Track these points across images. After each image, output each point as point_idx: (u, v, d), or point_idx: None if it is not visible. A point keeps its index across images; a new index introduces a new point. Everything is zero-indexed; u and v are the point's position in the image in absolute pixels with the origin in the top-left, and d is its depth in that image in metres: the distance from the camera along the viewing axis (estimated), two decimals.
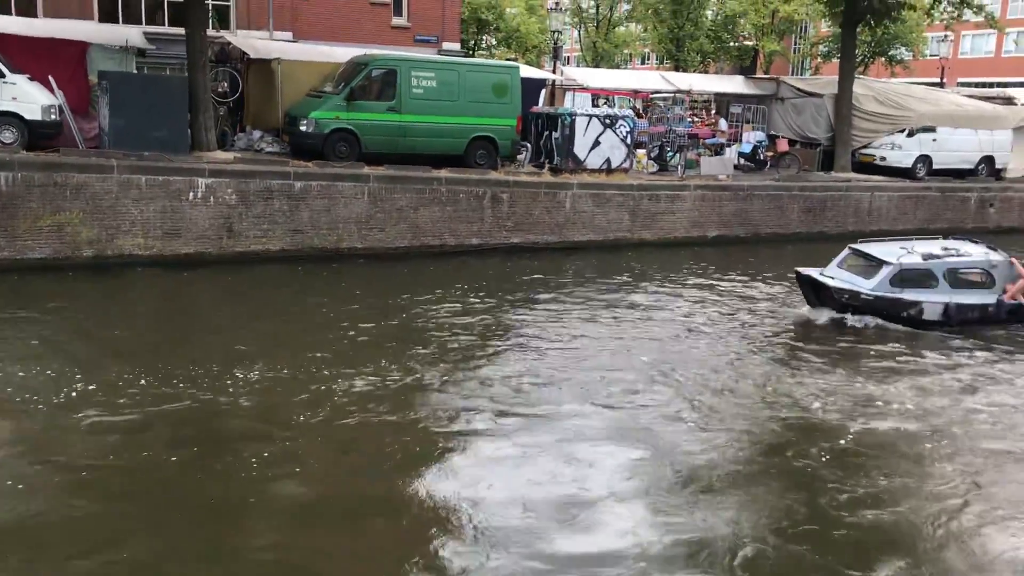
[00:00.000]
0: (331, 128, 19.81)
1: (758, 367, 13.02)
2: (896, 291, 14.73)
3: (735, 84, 30.28)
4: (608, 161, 22.56)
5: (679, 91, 27.26)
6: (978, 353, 13.86)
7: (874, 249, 15.47)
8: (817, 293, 15.45)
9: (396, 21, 30.61)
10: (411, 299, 15.93)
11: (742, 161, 26.41)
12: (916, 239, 16.57)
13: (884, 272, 14.81)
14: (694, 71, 44.70)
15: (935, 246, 15.66)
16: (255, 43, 23.16)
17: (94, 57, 19.99)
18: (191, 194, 17.70)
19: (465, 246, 20.25)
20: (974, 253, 15.44)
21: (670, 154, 25.06)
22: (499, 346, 13.57)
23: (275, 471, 9.13)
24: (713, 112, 29.74)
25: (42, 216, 16.48)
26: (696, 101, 29.75)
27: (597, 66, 53.88)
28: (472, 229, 20.40)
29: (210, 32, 21.26)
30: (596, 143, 22.36)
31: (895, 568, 7.77)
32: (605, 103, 30.17)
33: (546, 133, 22.64)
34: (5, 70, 16.83)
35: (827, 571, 7.70)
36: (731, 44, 48.94)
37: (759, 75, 36.63)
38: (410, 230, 19.75)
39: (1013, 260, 15.32)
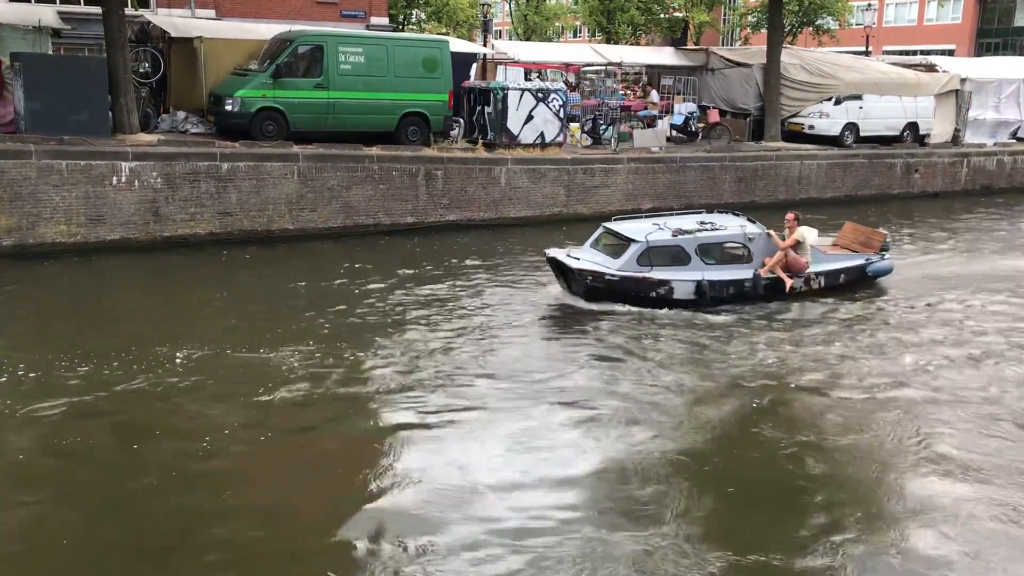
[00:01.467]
0: (257, 107, 19.36)
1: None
2: (644, 270, 13.88)
3: (666, 56, 30.36)
4: (542, 135, 22.46)
5: (611, 64, 27.26)
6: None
7: (624, 227, 14.62)
8: (565, 276, 14.55)
9: None
10: (342, 280, 15.74)
11: (674, 133, 26.54)
12: (675, 214, 15.90)
13: (631, 251, 13.94)
14: (625, 43, 44.79)
15: (690, 221, 14.91)
16: (176, 21, 22.49)
17: (5, 37, 19.20)
18: (114, 178, 17.18)
19: (400, 225, 20.03)
20: (730, 227, 14.74)
21: (603, 127, 25.07)
22: (419, 325, 13.45)
23: (194, 460, 9.00)
24: (644, 84, 29.83)
25: None
26: (628, 74, 29.80)
27: (528, 39, 53.62)
28: (407, 207, 20.18)
29: (129, 11, 20.61)
30: (529, 117, 22.24)
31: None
32: (537, 77, 30.06)
33: (479, 108, 22.44)
34: None
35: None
36: (662, 16, 49.10)
37: (690, 46, 36.81)
38: (342, 210, 19.47)
39: (771, 232, 14.82)
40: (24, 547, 7.47)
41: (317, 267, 16.79)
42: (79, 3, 25.35)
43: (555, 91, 22.95)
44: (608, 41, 44.86)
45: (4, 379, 10.66)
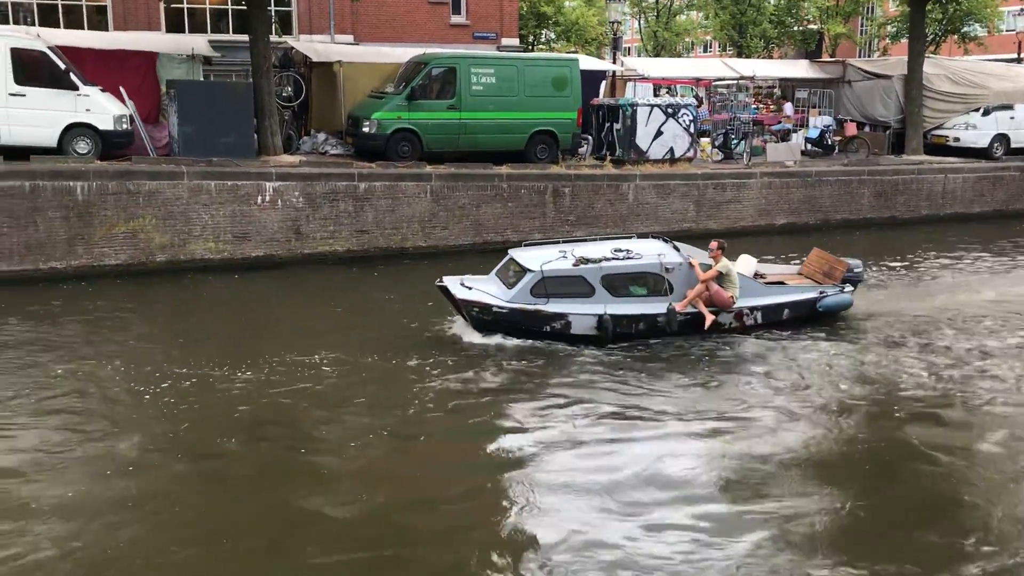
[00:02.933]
0: (393, 128, 20.01)
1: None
2: (539, 302, 12.67)
3: (800, 69, 29.67)
4: (671, 151, 22.31)
5: (742, 78, 26.83)
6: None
7: (525, 254, 13.41)
8: (456, 307, 13.32)
9: (455, 19, 30.74)
10: None
11: (809, 147, 25.87)
12: (596, 240, 14.46)
13: (524, 281, 12.75)
14: (757, 57, 43.95)
15: (603, 249, 13.46)
16: (317, 47, 23.49)
17: (163, 66, 20.47)
18: (259, 198, 18.04)
19: (528, 242, 20.22)
20: (646, 256, 13.21)
21: (735, 142, 24.69)
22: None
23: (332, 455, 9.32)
24: (778, 97, 29.21)
25: (116, 223, 16.97)
26: (760, 87, 29.25)
27: (658, 55, 53.29)
28: (534, 224, 20.38)
29: (273, 38, 21.62)
30: (658, 133, 22.13)
31: None
32: (667, 92, 29.86)
33: (607, 125, 22.48)
34: (79, 82, 17.35)
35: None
36: (795, 28, 47.95)
37: (825, 59, 35.83)
38: (472, 227, 19.83)
39: (693, 262, 13.22)
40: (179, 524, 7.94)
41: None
42: (228, 32, 26.76)
43: (685, 106, 22.76)
44: (740, 55, 44.11)
45: (164, 384, 11.33)
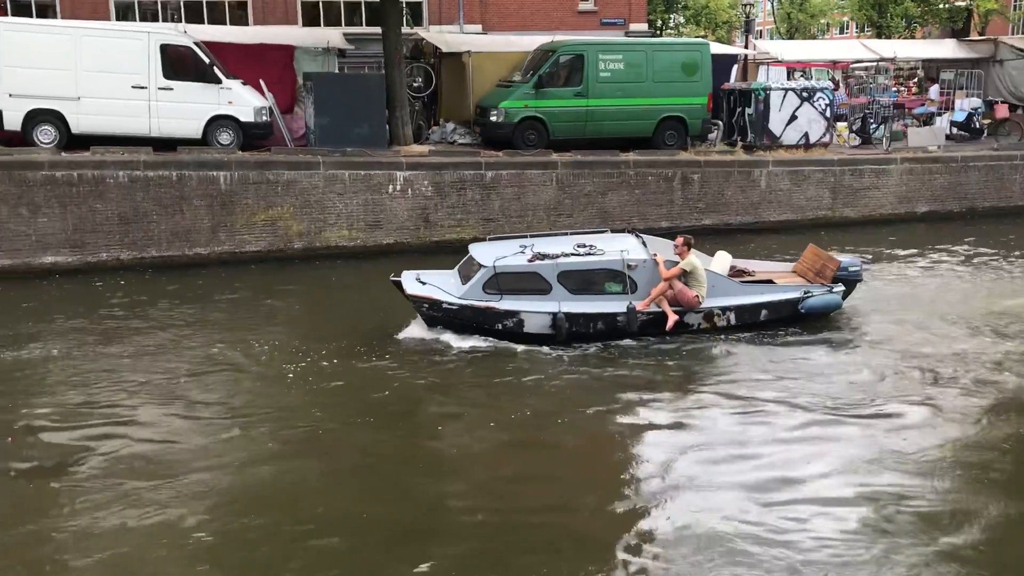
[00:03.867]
0: (520, 117, 20.09)
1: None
2: (492, 299, 12.20)
3: (946, 49, 28.14)
4: (806, 136, 21.62)
5: (882, 59, 25.68)
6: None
7: (482, 249, 12.96)
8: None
9: (582, 6, 30.59)
10: None
11: (955, 131, 24.54)
12: (567, 234, 13.92)
13: (477, 277, 12.31)
14: (898, 38, 41.98)
15: (564, 244, 12.89)
16: (447, 37, 23.79)
17: (299, 59, 21.15)
18: (391, 187, 18.44)
19: (655, 229, 19.91)
20: (608, 252, 12.57)
21: (873, 126, 23.68)
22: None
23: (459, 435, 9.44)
24: (921, 79, 27.83)
25: (257, 212, 17.68)
26: (901, 69, 27.94)
27: (792, 38, 51.63)
28: (661, 212, 20.11)
29: (404, 29, 22.03)
30: (793, 117, 21.48)
31: None
32: (801, 76, 28.91)
33: (739, 110, 21.97)
34: (222, 76, 18.13)
35: None
36: (940, 6, 45.56)
37: (974, 37, 33.90)
38: (598, 215, 19.72)
39: (658, 259, 12.48)
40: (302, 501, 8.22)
41: None
42: (361, 24, 27.42)
43: (821, 90, 21.99)
44: (879, 36, 42.25)
45: (304, 364, 11.76)
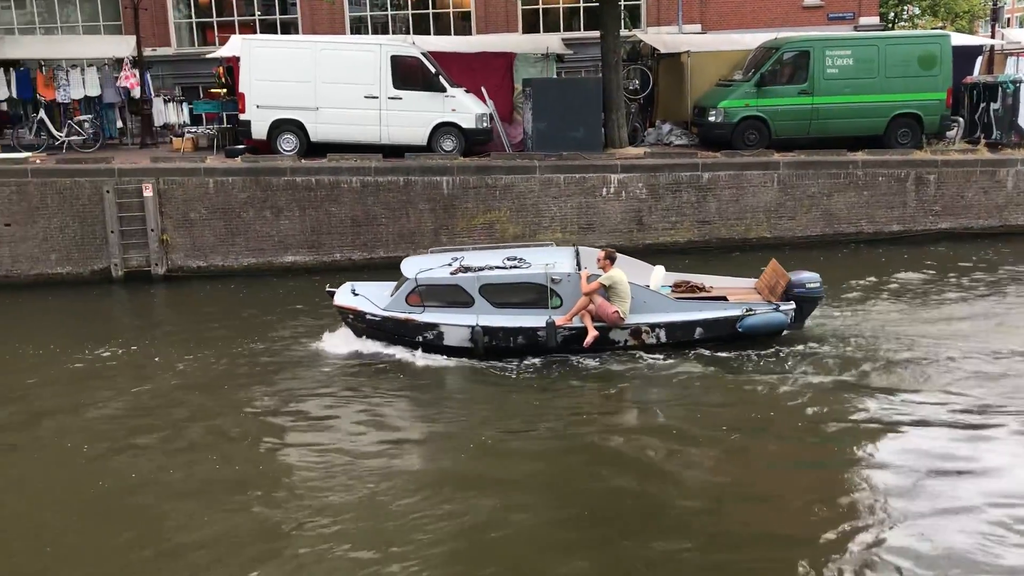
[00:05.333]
0: (740, 116, 19.55)
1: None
2: (414, 311, 11.99)
3: None
4: None
5: None
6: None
7: (411, 261, 12.92)
8: None
9: (808, 1, 29.32)
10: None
11: None
12: (502, 247, 13.64)
13: (401, 289, 12.18)
14: None
15: (495, 257, 12.57)
16: (665, 38, 23.57)
17: (519, 66, 21.62)
18: (604, 189, 18.48)
19: (884, 233, 18.87)
20: (535, 265, 12.13)
21: None
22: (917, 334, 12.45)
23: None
24: None
25: (476, 215, 18.24)
26: None
27: None
28: (892, 215, 18.93)
29: (622, 32, 22.00)
30: None
31: None
32: None
33: (983, 105, 20.30)
34: (446, 85, 18.85)
35: None
36: None
37: None
38: (822, 217, 18.86)
39: (583, 274, 11.86)
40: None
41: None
42: (579, 29, 27.67)
43: None
44: None
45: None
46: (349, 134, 18.75)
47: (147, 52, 22.91)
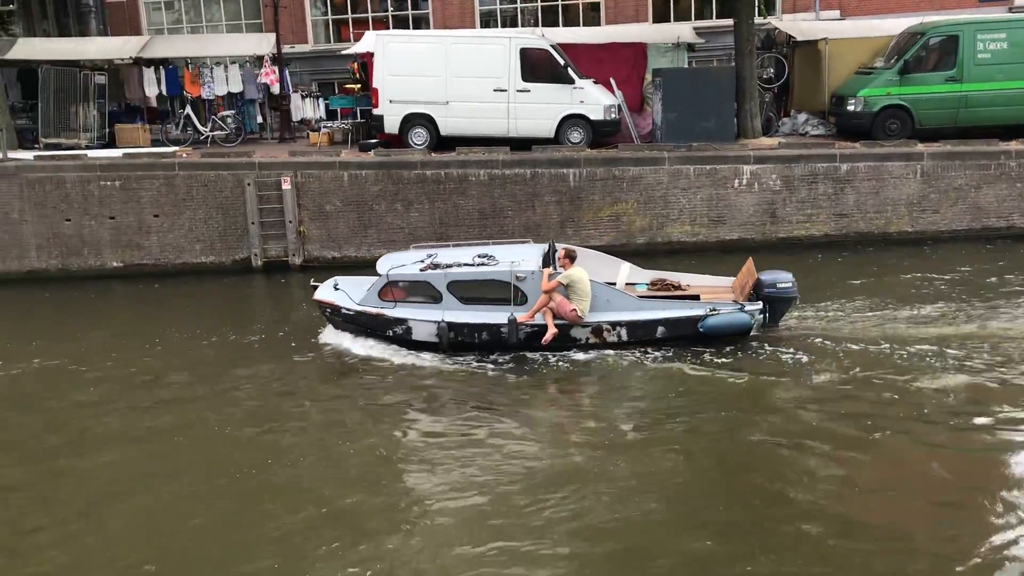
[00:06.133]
0: (881, 105, 18.73)
1: None
2: (386, 306, 12.40)
3: None
4: None
5: None
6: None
7: (388, 258, 13.37)
8: None
9: None
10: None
11: None
12: (487, 244, 13.87)
13: (374, 284, 12.60)
14: None
15: (465, 254, 12.87)
16: (801, 25, 22.76)
17: (649, 56, 21.31)
18: (736, 181, 18.04)
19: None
20: (501, 263, 12.34)
21: None
22: None
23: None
24: None
25: (602, 207, 18.11)
26: None
27: None
28: None
29: (757, 20, 21.38)
30: None
31: None
32: None
33: None
34: (575, 76, 18.75)
35: None
36: None
37: None
38: (969, 211, 17.89)
39: (545, 272, 12.05)
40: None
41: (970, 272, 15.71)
42: (711, 17, 27.06)
43: None
44: None
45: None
46: (477, 127, 18.91)
47: (286, 49, 23.69)
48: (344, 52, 24.52)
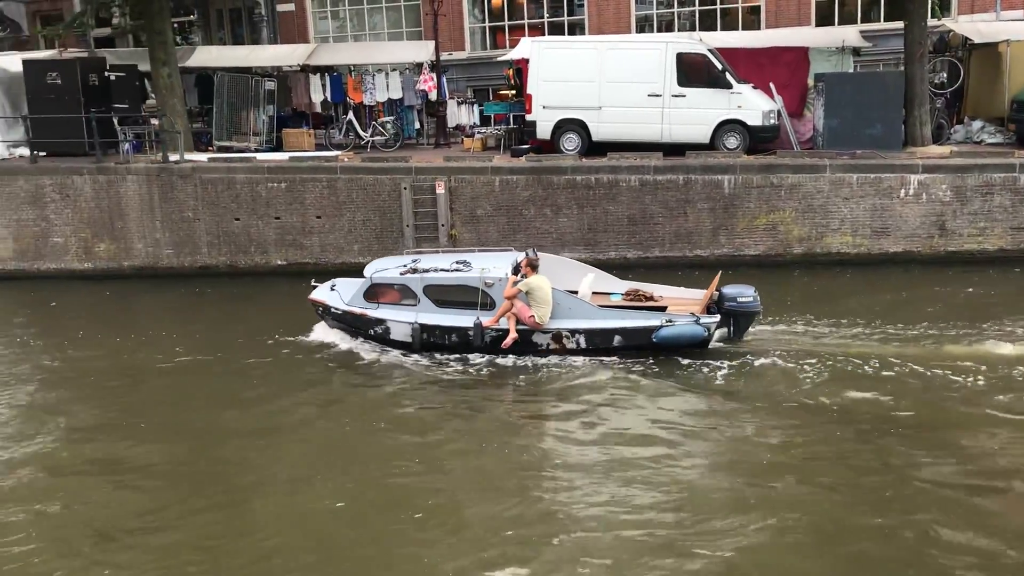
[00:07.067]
0: None
1: None
2: (369, 307, 13.25)
3: None
4: None
5: None
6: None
7: (375, 262, 14.47)
8: None
9: None
10: None
11: None
12: (472, 251, 14.81)
13: (358, 286, 13.54)
14: None
15: (444, 260, 13.72)
16: (979, 27, 21.43)
17: (811, 60, 20.59)
18: (902, 191, 17.20)
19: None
20: (475, 269, 13.04)
21: None
22: None
23: None
24: None
25: (758, 215, 17.61)
26: None
27: None
28: None
29: (930, 21, 20.30)
30: None
31: None
32: None
33: None
34: (733, 81, 18.32)
35: None
36: None
37: None
38: None
39: (511, 278, 12.66)
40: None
41: None
42: (878, 20, 25.87)
43: None
44: None
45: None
46: (630, 133, 18.75)
47: (443, 56, 24.23)
48: (499, 59, 24.85)
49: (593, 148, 19.00)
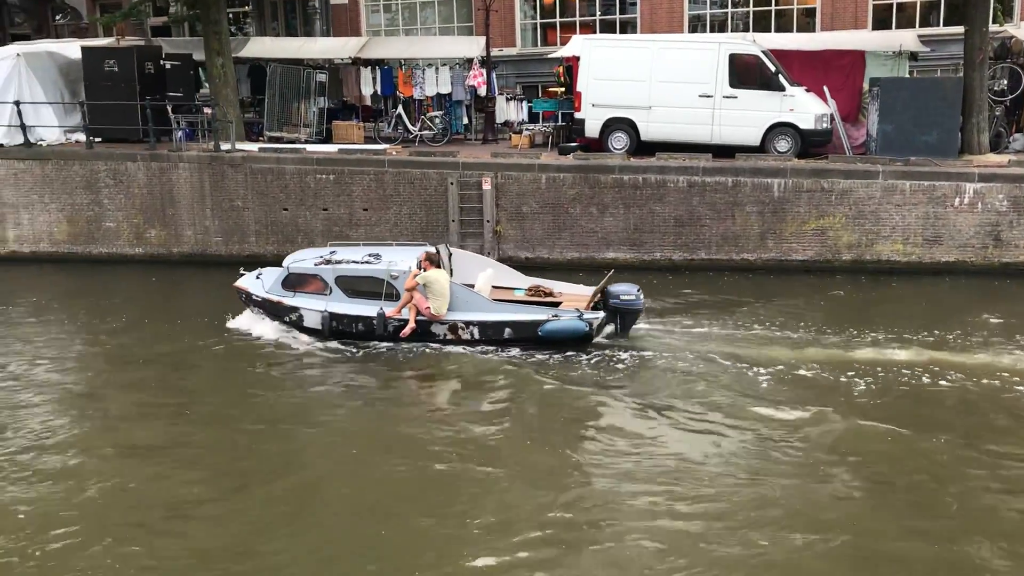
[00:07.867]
0: None
1: None
2: (286, 295, 13.91)
3: None
4: None
5: None
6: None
7: (298, 253, 15.17)
8: None
9: None
10: None
11: None
12: (390, 245, 15.42)
13: (276, 275, 14.20)
14: None
15: (356, 252, 14.38)
16: None
17: (867, 64, 20.27)
18: (956, 200, 16.87)
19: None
20: (384, 262, 13.79)
21: None
22: None
23: None
24: None
25: (807, 220, 17.38)
26: None
27: None
28: None
29: (991, 27, 19.86)
30: None
31: None
32: None
33: None
34: (786, 84, 18.09)
35: None
36: None
37: None
38: None
39: (414, 272, 13.34)
40: None
41: None
42: (937, 25, 25.37)
43: None
44: None
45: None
46: (680, 133, 18.59)
47: (494, 52, 24.19)
48: (550, 56, 24.78)
49: (641, 148, 18.87)
